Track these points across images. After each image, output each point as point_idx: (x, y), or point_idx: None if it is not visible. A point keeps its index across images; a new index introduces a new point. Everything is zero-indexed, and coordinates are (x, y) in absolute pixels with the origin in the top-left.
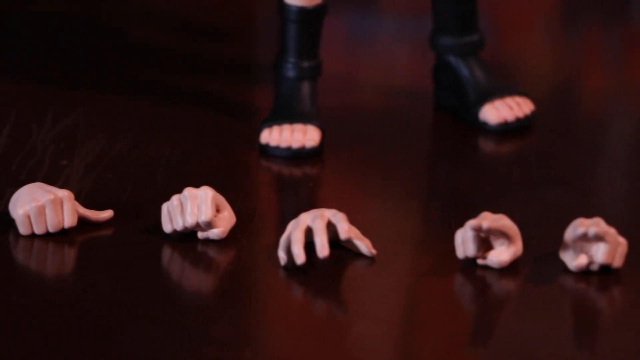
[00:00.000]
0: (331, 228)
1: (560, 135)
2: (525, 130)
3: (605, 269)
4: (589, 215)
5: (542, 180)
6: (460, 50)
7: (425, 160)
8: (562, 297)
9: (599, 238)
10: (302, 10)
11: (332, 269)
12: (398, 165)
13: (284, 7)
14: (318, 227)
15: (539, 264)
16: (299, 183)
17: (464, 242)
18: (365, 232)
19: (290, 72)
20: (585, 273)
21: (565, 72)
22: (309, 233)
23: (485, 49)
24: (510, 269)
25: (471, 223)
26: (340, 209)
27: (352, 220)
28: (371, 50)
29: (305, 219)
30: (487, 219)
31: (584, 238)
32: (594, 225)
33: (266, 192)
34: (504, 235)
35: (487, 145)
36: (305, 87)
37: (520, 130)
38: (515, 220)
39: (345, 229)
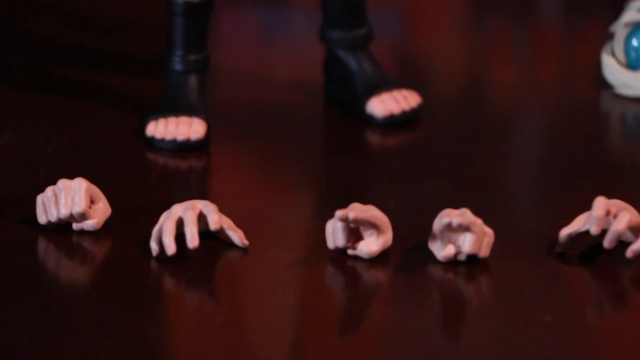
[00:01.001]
0: (203, 219)
1: (448, 129)
2: (413, 123)
3: (473, 259)
4: (462, 206)
5: (422, 173)
6: (349, 44)
7: (312, 154)
8: (431, 287)
9: (464, 228)
10: (187, 4)
11: (205, 259)
12: (284, 159)
13: (170, 1)
14: (188, 218)
15: (410, 255)
16: (182, 176)
17: (334, 232)
18: (243, 224)
19: (177, 65)
20: (453, 263)
21: (473, 67)
22: (181, 224)
23: (395, 43)
24: (380, 260)
25: (338, 213)
26: (222, 201)
27: (232, 212)
28: (275, 45)
29: (177, 210)
30: (354, 210)
31: (451, 228)
32: (459, 215)
33: (149, 184)
34: (373, 225)
35: (374, 139)
36: (192, 80)
37: (408, 123)
38: (390, 212)
39: (215, 220)
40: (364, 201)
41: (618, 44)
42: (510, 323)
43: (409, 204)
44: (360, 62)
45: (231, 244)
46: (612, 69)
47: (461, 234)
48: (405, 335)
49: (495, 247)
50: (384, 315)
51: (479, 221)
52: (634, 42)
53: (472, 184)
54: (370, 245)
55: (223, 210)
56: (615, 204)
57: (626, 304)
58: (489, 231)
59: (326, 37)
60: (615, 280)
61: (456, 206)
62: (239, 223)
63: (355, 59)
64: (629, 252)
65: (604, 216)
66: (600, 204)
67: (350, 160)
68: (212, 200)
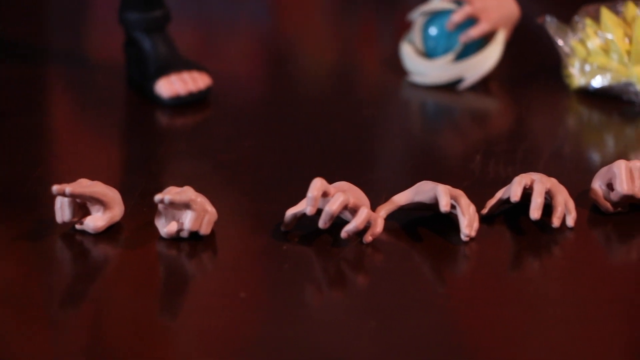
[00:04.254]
0: None
1: (236, 111)
2: (205, 104)
3: (197, 235)
4: (214, 186)
5: (189, 153)
6: (144, 26)
7: (96, 132)
8: (155, 263)
9: (184, 206)
10: None
11: None
12: (66, 136)
13: None
14: None
15: (139, 231)
16: None
17: (62, 207)
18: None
19: None
20: (177, 239)
21: (339, 52)
22: None
23: (263, 28)
24: (109, 235)
25: (54, 188)
26: None
27: None
28: (106, 27)
29: None
30: (74, 185)
31: (173, 205)
32: (178, 193)
33: None
34: (98, 201)
35: (162, 119)
36: None
37: (198, 104)
38: (137, 190)
39: None
40: (128, 179)
41: (416, 33)
42: (226, 298)
43: (162, 183)
44: (154, 44)
45: None
46: (409, 57)
47: (184, 212)
48: (124, 311)
49: (225, 225)
50: (106, 290)
51: (200, 199)
52: (432, 31)
53: (232, 164)
54: (97, 220)
55: None
56: (338, 185)
57: (342, 283)
58: (210, 209)
59: (123, 18)
60: (331, 260)
61: (208, 185)
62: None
63: (150, 40)
64: (343, 233)
65: (319, 197)
66: (316, 185)
67: (132, 140)
68: None
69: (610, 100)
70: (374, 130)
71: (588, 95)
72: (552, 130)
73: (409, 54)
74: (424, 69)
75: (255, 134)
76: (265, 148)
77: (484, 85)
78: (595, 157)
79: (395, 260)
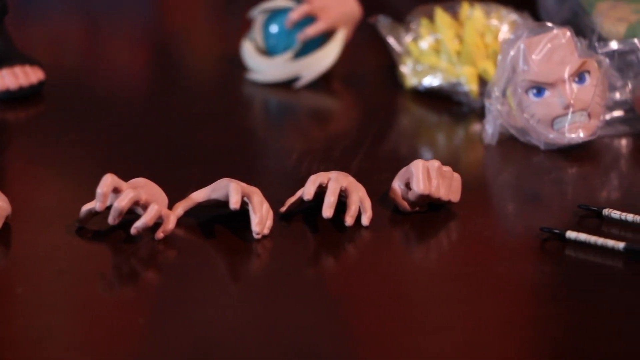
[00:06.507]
0: None
1: (70, 106)
2: (37, 98)
3: None
4: (13, 179)
5: (8, 147)
6: None
7: None
8: None
9: None
10: None
11: None
12: None
13: None
14: None
15: None
16: None
17: None
18: None
19: None
20: None
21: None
22: None
23: (147, 21)
24: None
25: None
26: None
27: None
28: None
29: None
30: None
31: None
32: None
33: None
34: None
35: None
36: None
37: (32, 98)
38: None
39: None
40: None
41: (257, 30)
42: (4, 294)
43: None
44: None
45: None
46: (249, 54)
47: None
48: None
49: (23, 219)
50: None
51: None
52: (272, 29)
53: (50, 159)
54: None
55: None
56: (133, 182)
57: (132, 280)
58: (1, 203)
59: None
60: (122, 256)
61: (17, 180)
62: None
63: None
64: (133, 229)
65: (109, 193)
66: (106, 181)
67: None
68: None
69: (441, 100)
70: (201, 127)
71: (421, 95)
72: (378, 129)
73: (249, 51)
74: (263, 67)
75: (83, 129)
76: (89, 143)
77: (325, 83)
78: (415, 156)
79: (188, 257)
